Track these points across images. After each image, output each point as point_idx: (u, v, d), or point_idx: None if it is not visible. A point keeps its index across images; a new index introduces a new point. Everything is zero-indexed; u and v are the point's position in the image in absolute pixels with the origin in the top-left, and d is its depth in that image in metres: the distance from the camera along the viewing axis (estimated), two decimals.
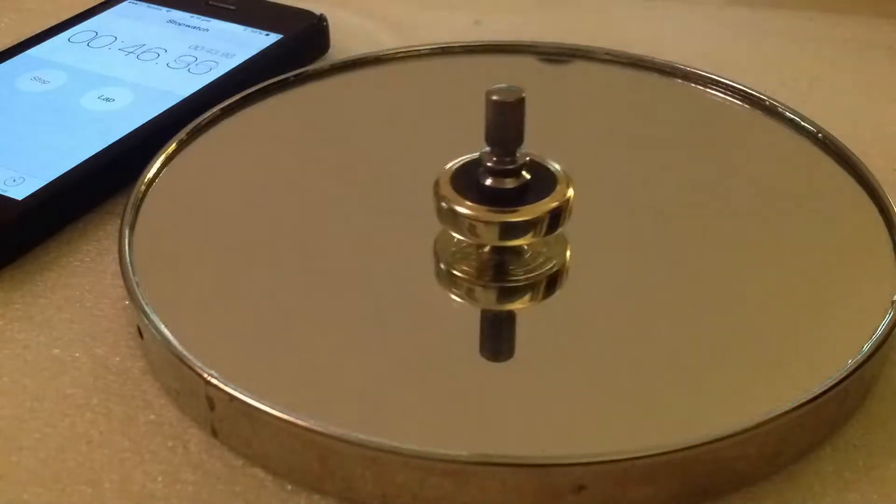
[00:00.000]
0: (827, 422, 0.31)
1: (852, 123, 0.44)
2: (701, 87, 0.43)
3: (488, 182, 0.33)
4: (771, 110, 0.42)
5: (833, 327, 0.33)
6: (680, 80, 0.44)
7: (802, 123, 0.40)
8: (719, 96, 0.43)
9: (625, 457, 0.28)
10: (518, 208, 0.33)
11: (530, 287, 0.34)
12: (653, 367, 0.32)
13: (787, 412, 0.29)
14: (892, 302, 0.32)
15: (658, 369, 0.32)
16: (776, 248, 0.36)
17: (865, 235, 0.36)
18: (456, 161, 0.34)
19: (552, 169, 0.34)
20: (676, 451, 0.28)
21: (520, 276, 0.34)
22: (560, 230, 0.33)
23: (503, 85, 0.33)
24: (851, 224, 0.37)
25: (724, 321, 0.33)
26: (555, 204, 0.33)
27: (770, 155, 0.40)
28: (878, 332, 0.31)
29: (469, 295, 0.34)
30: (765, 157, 0.40)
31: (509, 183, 0.33)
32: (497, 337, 0.34)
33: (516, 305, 0.34)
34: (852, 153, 0.39)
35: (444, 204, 0.33)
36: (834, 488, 0.30)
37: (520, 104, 0.32)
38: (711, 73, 0.43)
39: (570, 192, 0.33)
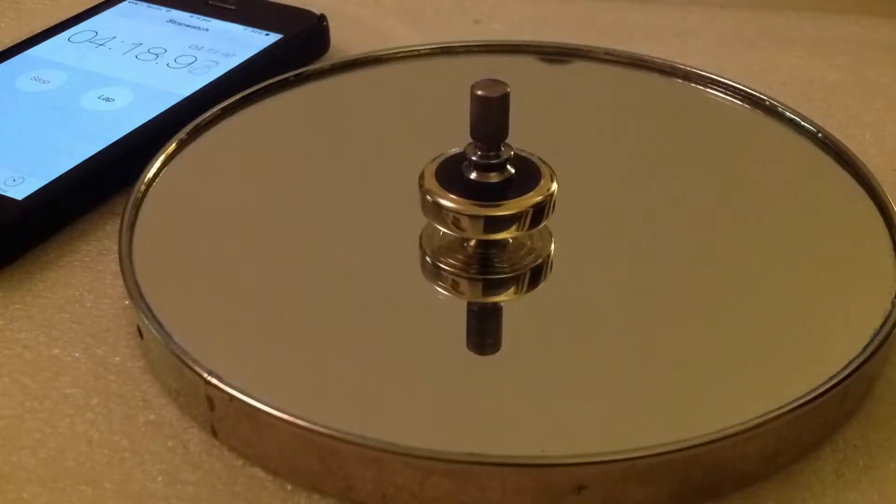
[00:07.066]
0: (827, 422, 0.31)
1: (852, 123, 0.44)
2: (701, 87, 0.43)
3: (473, 176, 0.34)
4: (771, 110, 0.42)
5: (833, 327, 0.33)
6: (680, 80, 0.44)
7: (802, 123, 0.40)
8: (719, 96, 0.43)
9: (625, 457, 0.28)
10: (502, 202, 0.33)
11: (518, 279, 0.34)
12: (653, 368, 0.32)
13: (787, 412, 0.29)
14: (893, 302, 0.32)
15: (658, 369, 0.32)
16: (776, 247, 0.36)
17: (865, 235, 0.36)
18: (441, 155, 0.34)
19: (536, 163, 0.34)
20: (676, 451, 0.28)
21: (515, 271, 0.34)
22: (544, 224, 0.34)
23: (488, 79, 0.33)
24: (851, 224, 0.37)
25: (723, 320, 0.33)
26: (538, 198, 0.33)
27: (770, 155, 0.40)
28: (878, 332, 0.31)
29: (464, 289, 0.34)
30: (765, 157, 0.40)
31: (494, 177, 0.33)
32: (493, 332, 0.34)
33: (510, 300, 0.34)
34: (852, 153, 0.39)
35: (428, 197, 0.33)
36: (834, 488, 0.30)
37: (504, 99, 0.32)
38: (711, 73, 0.43)
39: (554, 187, 0.34)
